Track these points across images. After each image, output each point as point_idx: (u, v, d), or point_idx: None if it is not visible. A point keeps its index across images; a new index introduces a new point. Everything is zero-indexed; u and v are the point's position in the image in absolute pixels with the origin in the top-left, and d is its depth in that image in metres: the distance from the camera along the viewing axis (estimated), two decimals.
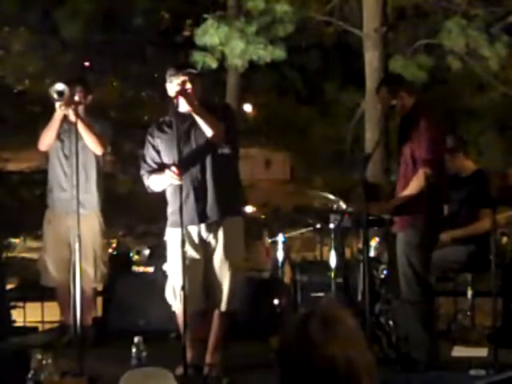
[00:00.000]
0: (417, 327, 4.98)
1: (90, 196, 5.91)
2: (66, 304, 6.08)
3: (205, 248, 4.95)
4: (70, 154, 5.89)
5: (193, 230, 4.90)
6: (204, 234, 4.94)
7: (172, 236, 5.00)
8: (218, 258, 4.94)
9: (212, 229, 4.93)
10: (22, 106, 10.13)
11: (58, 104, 5.54)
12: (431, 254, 5.08)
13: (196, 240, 4.92)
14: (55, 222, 6.04)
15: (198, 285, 4.91)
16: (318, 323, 1.90)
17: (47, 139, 5.88)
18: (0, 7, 9.67)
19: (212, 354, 4.99)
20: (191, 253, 4.89)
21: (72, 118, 5.54)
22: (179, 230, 4.73)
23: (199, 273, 4.93)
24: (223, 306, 4.95)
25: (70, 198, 5.86)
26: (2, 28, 10.57)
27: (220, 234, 4.93)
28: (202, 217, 4.88)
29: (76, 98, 5.69)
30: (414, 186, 4.97)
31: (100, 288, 6.49)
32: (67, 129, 5.83)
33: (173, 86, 4.85)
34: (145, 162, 5.07)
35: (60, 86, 5.40)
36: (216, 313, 4.99)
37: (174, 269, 4.97)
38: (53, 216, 6.07)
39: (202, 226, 4.92)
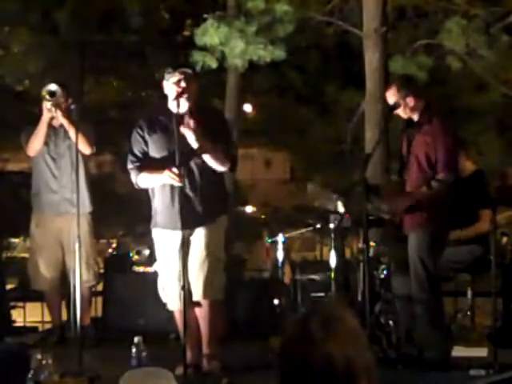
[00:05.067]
0: (428, 326, 4.99)
1: (80, 196, 5.90)
2: (55, 305, 6.13)
3: (186, 245, 4.89)
4: (58, 156, 5.97)
5: (175, 232, 4.84)
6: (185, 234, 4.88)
7: (156, 236, 5.02)
8: (197, 250, 4.89)
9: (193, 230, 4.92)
10: (22, 106, 10.11)
11: (48, 105, 5.78)
12: (442, 252, 5.11)
13: (178, 241, 4.80)
14: (44, 224, 6.05)
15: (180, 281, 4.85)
16: (318, 321, 1.90)
17: (37, 144, 5.94)
18: (0, 7, 9.66)
19: (208, 345, 4.96)
20: (173, 253, 4.89)
21: (60, 119, 5.80)
22: (161, 230, 4.89)
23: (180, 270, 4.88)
24: (200, 296, 4.89)
25: (60, 200, 5.92)
26: (2, 28, 10.55)
27: (200, 230, 4.90)
28: (185, 224, 4.71)
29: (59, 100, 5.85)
30: (435, 191, 4.98)
31: (96, 287, 6.50)
32: (51, 132, 5.94)
33: (168, 84, 4.87)
34: (133, 155, 4.98)
35: (53, 87, 5.79)
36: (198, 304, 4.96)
37: (159, 268, 5.03)
38: (41, 218, 6.08)
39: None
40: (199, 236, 4.90)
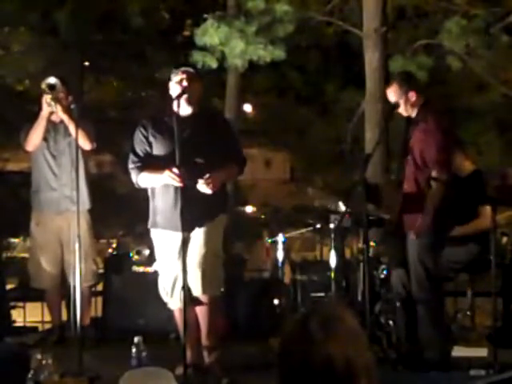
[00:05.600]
0: (429, 325, 4.99)
1: (80, 193, 5.89)
2: (55, 305, 6.13)
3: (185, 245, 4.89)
4: (58, 153, 5.93)
5: (175, 233, 4.83)
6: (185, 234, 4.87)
7: (156, 236, 5.02)
8: (196, 247, 4.88)
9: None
10: (23, 105, 10.12)
11: (48, 98, 5.72)
12: (441, 251, 5.11)
13: (178, 242, 4.81)
14: (45, 223, 6.03)
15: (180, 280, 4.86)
16: (318, 321, 1.90)
17: (35, 139, 5.90)
18: (0, 7, 9.66)
19: (208, 337, 4.95)
20: (173, 253, 4.89)
21: (60, 114, 5.75)
22: (161, 231, 4.88)
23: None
24: (199, 291, 4.89)
25: (59, 197, 5.90)
26: (2, 28, 10.56)
27: (199, 228, 4.91)
28: (186, 226, 4.67)
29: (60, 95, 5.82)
30: (436, 197, 4.97)
31: (96, 287, 6.50)
32: (51, 128, 5.90)
33: (172, 83, 4.87)
34: (134, 154, 4.95)
35: (52, 80, 5.76)
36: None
37: (159, 268, 5.04)
38: (41, 217, 6.06)
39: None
40: (198, 233, 4.89)
